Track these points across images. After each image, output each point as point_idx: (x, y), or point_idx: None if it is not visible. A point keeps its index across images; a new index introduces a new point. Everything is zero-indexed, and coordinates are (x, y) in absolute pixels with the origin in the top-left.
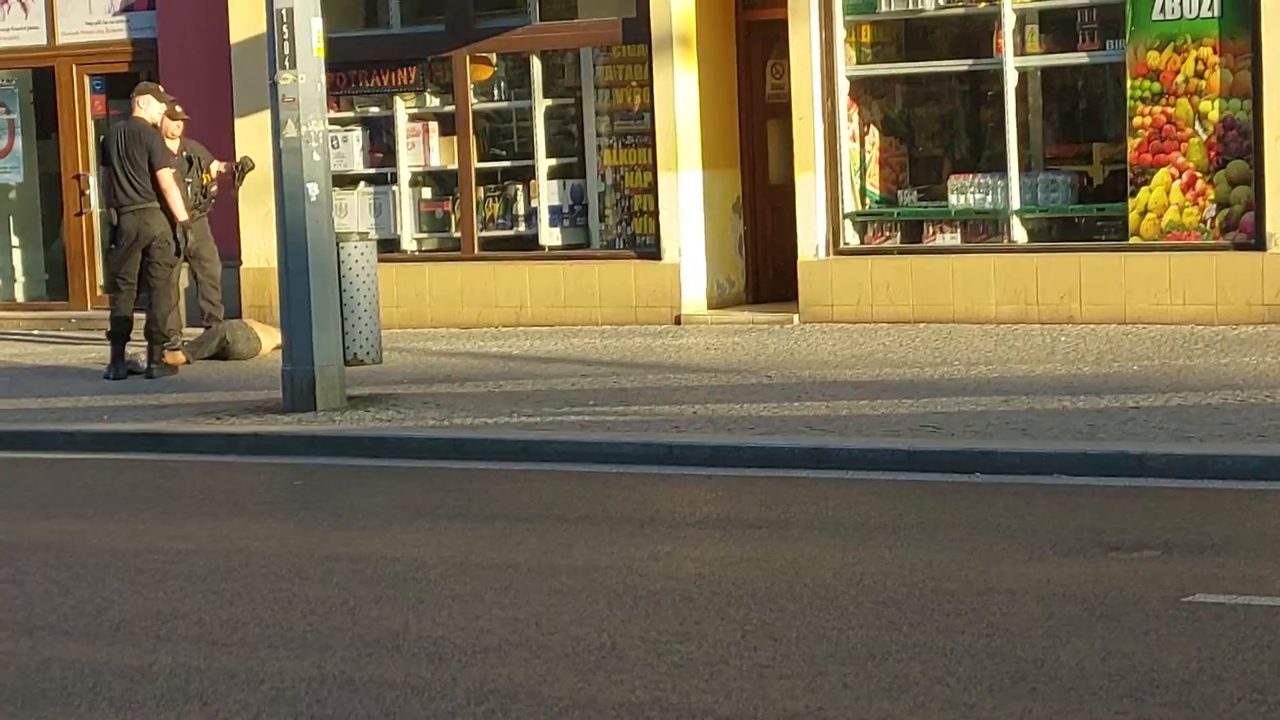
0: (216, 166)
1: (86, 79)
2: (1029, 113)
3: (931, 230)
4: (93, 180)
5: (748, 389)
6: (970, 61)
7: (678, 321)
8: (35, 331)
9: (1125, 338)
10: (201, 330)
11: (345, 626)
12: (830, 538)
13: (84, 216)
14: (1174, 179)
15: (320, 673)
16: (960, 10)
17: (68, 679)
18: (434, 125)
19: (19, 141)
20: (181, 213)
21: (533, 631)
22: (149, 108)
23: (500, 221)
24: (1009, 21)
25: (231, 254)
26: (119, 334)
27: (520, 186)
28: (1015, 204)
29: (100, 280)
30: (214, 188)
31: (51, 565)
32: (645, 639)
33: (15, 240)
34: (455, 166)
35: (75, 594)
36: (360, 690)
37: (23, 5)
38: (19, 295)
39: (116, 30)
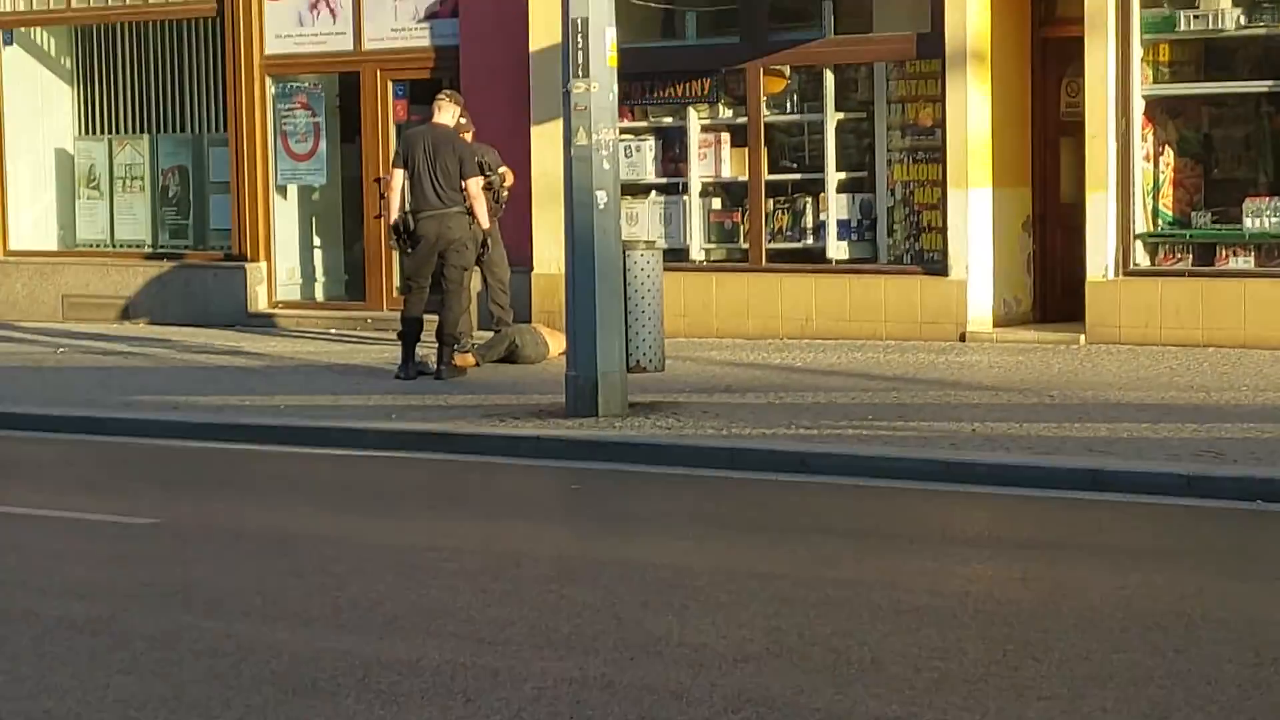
0: (505, 172)
1: (390, 84)
2: None
3: (1224, 253)
4: (393, 183)
5: (1029, 408)
6: (1270, 83)
7: (962, 338)
8: (332, 330)
9: None
10: (491, 334)
11: (609, 630)
12: (1101, 561)
13: (382, 219)
14: None
15: (582, 674)
16: (1262, 30)
17: (338, 670)
18: (726, 136)
19: (324, 144)
20: (485, 220)
21: (794, 642)
22: (450, 114)
23: (788, 234)
24: None
25: (522, 260)
26: (410, 335)
27: (809, 199)
28: None
29: (396, 282)
30: (506, 193)
31: (330, 559)
32: (905, 654)
33: (317, 241)
34: (746, 178)
35: (351, 588)
36: (620, 693)
37: (331, 11)
38: (318, 295)
39: (420, 37)
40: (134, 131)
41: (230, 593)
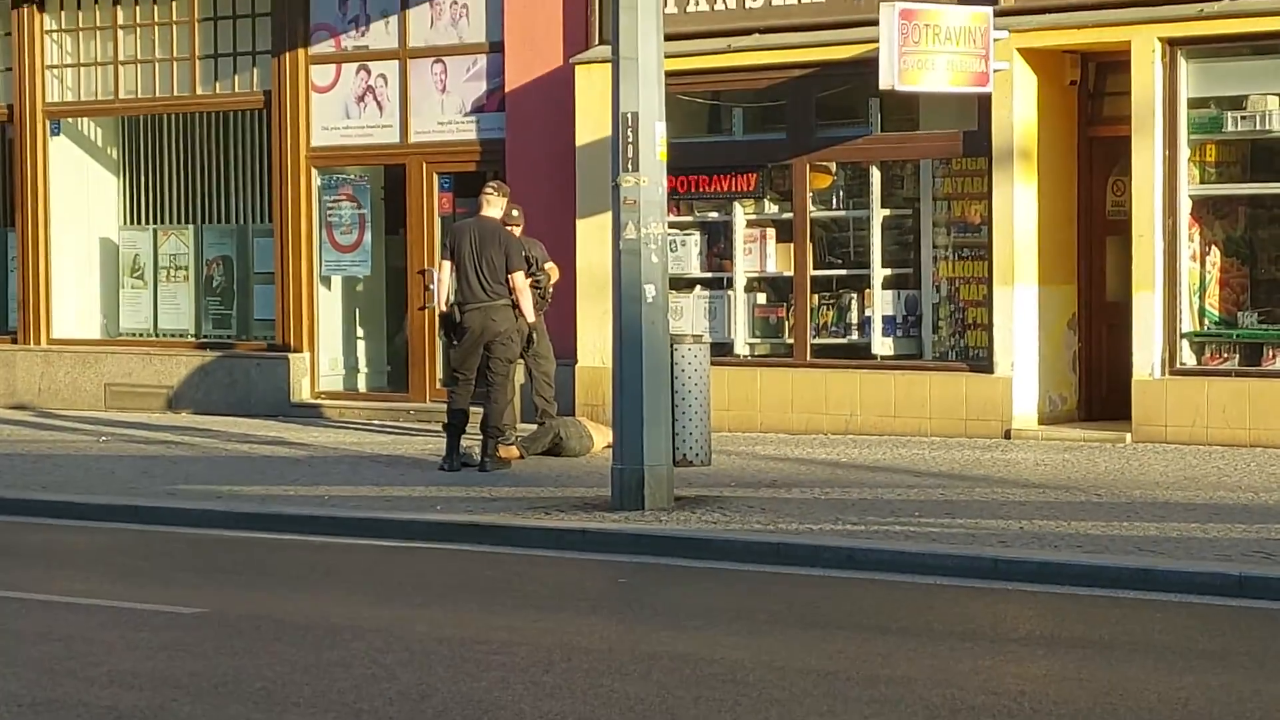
0: (551, 268)
1: (435, 177)
2: None
3: (1271, 353)
4: (438, 275)
5: (1076, 506)
6: None
7: (1007, 436)
8: (375, 421)
9: None
10: (535, 426)
11: None
12: (1156, 661)
13: (426, 311)
14: None
15: None
16: None
17: None
18: (771, 231)
19: (368, 236)
20: (531, 314)
21: None
22: (498, 207)
23: (833, 329)
24: None
25: (566, 352)
26: (455, 427)
27: (855, 295)
28: None
29: (439, 374)
30: (550, 289)
31: (380, 650)
32: None
33: (360, 331)
34: (791, 273)
35: (401, 679)
36: None
37: (378, 104)
38: (361, 385)
39: (466, 130)
40: (179, 221)
41: (279, 683)
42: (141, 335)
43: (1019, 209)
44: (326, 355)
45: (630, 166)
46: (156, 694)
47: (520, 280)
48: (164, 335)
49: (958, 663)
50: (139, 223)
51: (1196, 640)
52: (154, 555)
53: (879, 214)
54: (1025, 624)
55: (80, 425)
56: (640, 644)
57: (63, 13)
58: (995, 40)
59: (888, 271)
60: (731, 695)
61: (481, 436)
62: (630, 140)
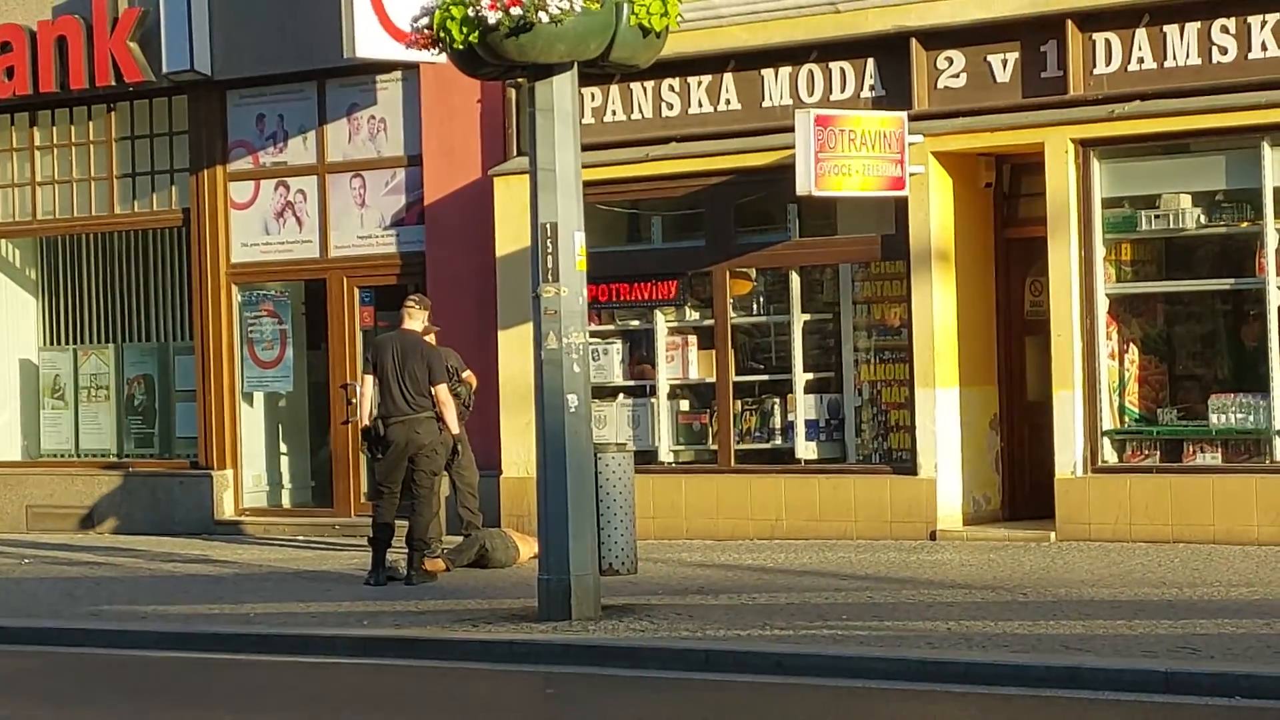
0: (467, 376)
1: (356, 291)
2: None
3: (1191, 449)
4: (361, 389)
5: (1003, 606)
6: (1232, 281)
7: (933, 537)
8: (300, 537)
9: None
10: (460, 538)
11: None
12: None
13: (349, 425)
14: None
15: None
16: (1222, 229)
17: None
18: (693, 338)
19: (290, 351)
20: (455, 426)
21: None
22: (419, 320)
23: (757, 434)
24: (1271, 242)
25: (491, 463)
26: (380, 540)
27: (777, 400)
28: (1278, 424)
29: (364, 488)
30: (473, 396)
31: None
32: None
33: (284, 447)
34: (713, 379)
35: None
36: None
37: (297, 219)
38: (285, 501)
39: (386, 244)
40: (99, 341)
41: None
42: (63, 456)
43: (938, 311)
44: (250, 472)
45: (550, 277)
46: None
47: (444, 392)
48: (86, 455)
49: None
50: (59, 343)
51: None
52: (78, 678)
53: (799, 319)
54: None
55: (1, 548)
56: None
57: None
58: (910, 144)
59: (810, 376)
60: None
61: (407, 550)
62: (550, 250)
